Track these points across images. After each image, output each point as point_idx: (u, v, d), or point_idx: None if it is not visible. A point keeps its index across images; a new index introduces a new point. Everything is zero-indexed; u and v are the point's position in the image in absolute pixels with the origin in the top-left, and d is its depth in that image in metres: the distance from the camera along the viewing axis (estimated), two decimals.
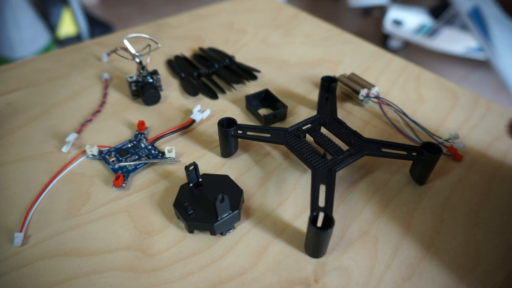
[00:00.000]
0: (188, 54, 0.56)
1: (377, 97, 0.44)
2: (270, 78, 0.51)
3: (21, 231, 0.31)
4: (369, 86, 0.45)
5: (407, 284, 0.28)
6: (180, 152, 0.40)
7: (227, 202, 0.30)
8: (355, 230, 0.32)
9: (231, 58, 0.53)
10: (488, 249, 0.31)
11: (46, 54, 0.56)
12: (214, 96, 0.47)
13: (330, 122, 0.39)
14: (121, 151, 0.39)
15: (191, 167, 0.32)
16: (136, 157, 0.38)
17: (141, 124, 0.41)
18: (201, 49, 0.56)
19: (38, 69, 0.52)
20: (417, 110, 0.45)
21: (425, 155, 0.34)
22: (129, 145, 0.40)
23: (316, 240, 0.28)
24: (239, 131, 0.37)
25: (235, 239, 0.31)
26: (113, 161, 0.38)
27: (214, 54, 0.54)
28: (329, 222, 0.28)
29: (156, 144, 0.40)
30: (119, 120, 0.43)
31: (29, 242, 0.31)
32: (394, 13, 1.62)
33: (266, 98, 0.46)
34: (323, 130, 0.40)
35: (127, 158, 0.38)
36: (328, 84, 0.42)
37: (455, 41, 1.54)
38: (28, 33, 1.22)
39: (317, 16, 0.69)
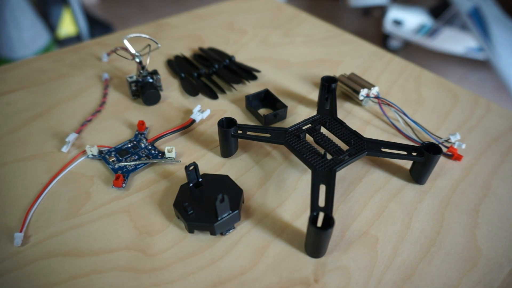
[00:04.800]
0: (188, 54, 0.56)
1: (377, 97, 0.44)
2: (270, 78, 0.51)
3: (21, 231, 0.31)
4: (369, 86, 0.45)
5: (407, 284, 0.28)
6: (180, 152, 0.40)
7: (227, 202, 0.30)
8: (355, 230, 0.32)
9: (231, 58, 0.53)
10: (488, 249, 0.31)
11: (46, 54, 0.56)
12: (214, 96, 0.47)
13: (330, 122, 0.39)
14: (121, 151, 0.39)
15: (191, 167, 0.32)
16: (136, 157, 0.38)
17: (141, 124, 0.41)
18: (201, 49, 0.56)
19: (38, 69, 0.52)
20: (417, 110, 0.45)
21: (425, 155, 0.34)
22: (129, 145, 0.40)
23: (316, 240, 0.28)
24: (239, 131, 0.37)
25: (235, 239, 0.31)
26: (113, 161, 0.38)
27: (214, 54, 0.54)
28: (329, 222, 0.28)
29: (156, 144, 0.40)
30: (119, 120, 0.43)
31: (29, 242, 0.31)
32: (394, 13, 1.62)
33: (266, 98, 0.46)
34: (323, 130, 0.40)
35: (127, 158, 0.38)
36: (328, 84, 0.42)
37: (455, 41, 1.54)
38: (28, 33, 1.22)
39: (317, 16, 0.69)
